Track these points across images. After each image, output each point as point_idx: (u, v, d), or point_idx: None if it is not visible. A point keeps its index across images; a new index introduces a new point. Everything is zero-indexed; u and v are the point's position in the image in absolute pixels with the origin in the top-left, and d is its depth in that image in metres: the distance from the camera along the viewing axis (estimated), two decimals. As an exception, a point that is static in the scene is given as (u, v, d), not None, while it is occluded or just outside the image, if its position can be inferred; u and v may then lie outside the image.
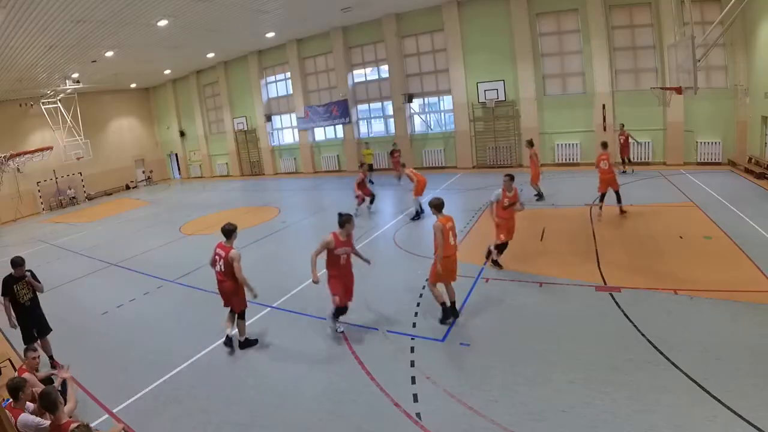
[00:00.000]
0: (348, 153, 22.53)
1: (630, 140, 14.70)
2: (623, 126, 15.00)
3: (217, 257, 6.12)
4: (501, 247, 7.84)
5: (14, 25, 12.19)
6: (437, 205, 6.21)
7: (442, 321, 6.20)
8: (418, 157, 20.43)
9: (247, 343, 6.21)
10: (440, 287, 6.21)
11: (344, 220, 5.91)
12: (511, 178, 7.66)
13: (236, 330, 6.19)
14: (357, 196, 13.08)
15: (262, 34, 20.07)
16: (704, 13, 13.72)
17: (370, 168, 18.28)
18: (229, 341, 6.18)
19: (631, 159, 15.09)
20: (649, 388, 4.41)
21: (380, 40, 20.33)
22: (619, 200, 10.21)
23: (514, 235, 7.90)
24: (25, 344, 5.79)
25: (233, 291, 6.02)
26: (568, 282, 7.07)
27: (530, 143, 12.82)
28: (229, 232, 6.14)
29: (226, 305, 6.23)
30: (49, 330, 6.35)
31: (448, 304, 6.24)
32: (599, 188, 10.19)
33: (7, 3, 10.50)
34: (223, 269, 6.01)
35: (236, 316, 6.17)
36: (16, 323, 6.01)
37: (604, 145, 10.45)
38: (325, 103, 22.40)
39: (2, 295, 5.99)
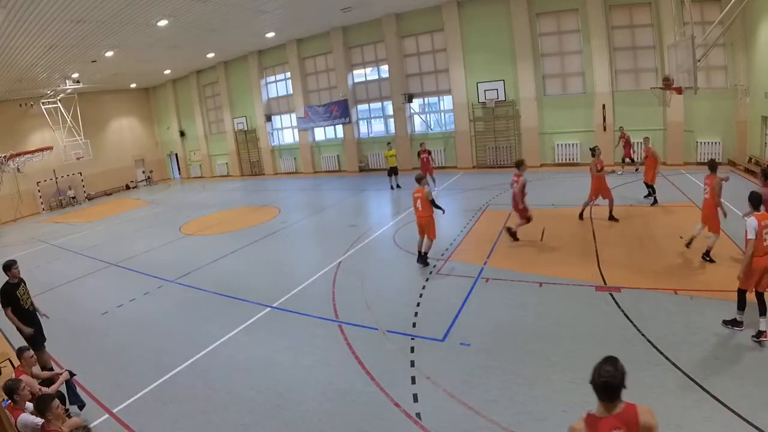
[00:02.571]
0: (348, 153, 22.53)
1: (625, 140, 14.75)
2: (622, 128, 15.03)
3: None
4: None
5: (14, 25, 12.19)
6: (417, 179, 8.54)
7: (418, 261, 8.52)
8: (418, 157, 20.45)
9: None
10: (419, 239, 8.55)
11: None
12: None
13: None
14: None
15: (262, 34, 20.07)
16: (704, 13, 13.72)
17: (395, 171, 16.80)
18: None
19: (633, 159, 14.92)
20: (649, 388, 4.41)
21: (380, 40, 20.33)
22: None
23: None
24: (36, 348, 5.53)
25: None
26: (568, 282, 7.07)
27: (646, 140, 12.06)
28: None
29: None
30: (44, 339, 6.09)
31: (421, 252, 8.50)
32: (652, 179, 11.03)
33: (7, 3, 10.49)
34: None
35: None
36: (30, 328, 5.70)
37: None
38: (325, 103, 22.40)
39: (5, 306, 5.66)
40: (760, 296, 5.02)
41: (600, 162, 9.82)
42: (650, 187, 11.05)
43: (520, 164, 9.17)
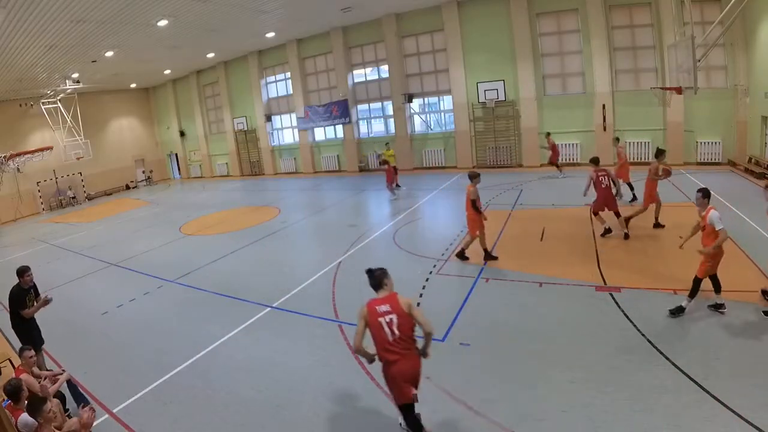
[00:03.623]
0: (348, 153, 22.53)
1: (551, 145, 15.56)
2: (549, 134, 15.85)
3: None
4: None
5: (14, 25, 12.19)
6: (471, 176, 8.44)
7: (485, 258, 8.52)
8: (418, 157, 20.46)
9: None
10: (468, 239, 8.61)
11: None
12: None
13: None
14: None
15: (262, 34, 20.07)
16: (704, 13, 13.72)
17: (395, 171, 16.38)
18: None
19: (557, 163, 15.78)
20: (649, 388, 4.41)
21: (380, 40, 20.32)
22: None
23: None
24: (34, 349, 5.48)
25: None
26: (568, 282, 7.07)
27: (615, 141, 12.83)
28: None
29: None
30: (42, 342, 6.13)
31: (486, 249, 8.53)
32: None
33: (7, 3, 10.50)
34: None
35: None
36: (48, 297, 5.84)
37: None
38: (325, 103, 22.41)
39: (16, 312, 5.73)
40: (714, 277, 5.66)
41: (656, 166, 9.67)
42: (627, 184, 11.36)
43: (596, 161, 9.49)
